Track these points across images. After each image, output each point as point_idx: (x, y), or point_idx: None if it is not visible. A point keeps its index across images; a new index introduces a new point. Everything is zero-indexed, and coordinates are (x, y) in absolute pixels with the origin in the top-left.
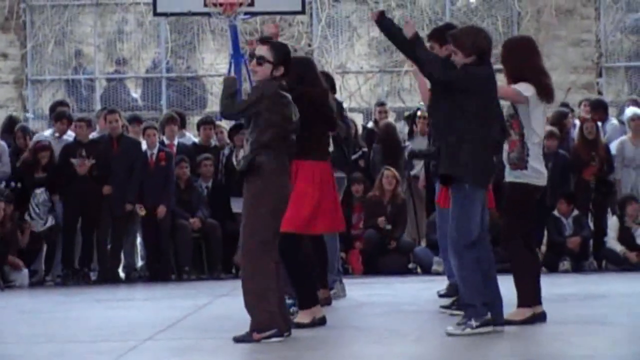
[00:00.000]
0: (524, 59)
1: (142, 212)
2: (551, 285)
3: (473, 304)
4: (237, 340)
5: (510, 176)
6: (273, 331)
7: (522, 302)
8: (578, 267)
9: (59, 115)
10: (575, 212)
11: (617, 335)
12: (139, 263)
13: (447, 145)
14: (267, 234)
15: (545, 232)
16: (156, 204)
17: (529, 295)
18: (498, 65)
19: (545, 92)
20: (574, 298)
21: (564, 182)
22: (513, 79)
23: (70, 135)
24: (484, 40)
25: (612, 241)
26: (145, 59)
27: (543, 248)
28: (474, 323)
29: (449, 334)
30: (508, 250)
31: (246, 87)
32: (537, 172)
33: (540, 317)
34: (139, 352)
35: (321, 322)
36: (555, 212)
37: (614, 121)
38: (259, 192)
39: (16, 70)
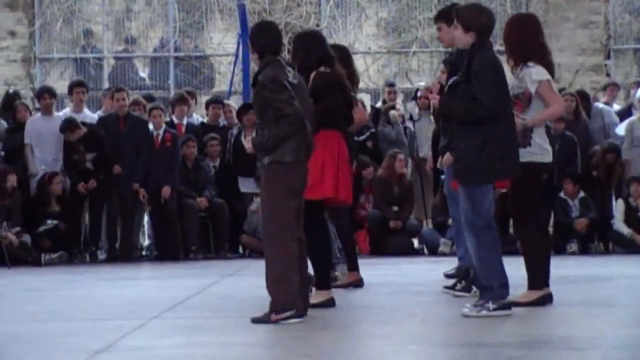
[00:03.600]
0: (529, 37)
1: (147, 207)
2: (558, 267)
3: (490, 285)
4: (255, 321)
5: None
6: (291, 312)
7: (533, 285)
8: (585, 249)
9: (42, 91)
10: (582, 194)
11: (624, 317)
12: (146, 242)
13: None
14: (285, 215)
15: (552, 214)
16: (161, 184)
17: (540, 277)
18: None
19: (548, 69)
20: (581, 280)
21: (571, 163)
22: (515, 55)
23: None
24: (487, 19)
25: (619, 223)
26: (154, 38)
27: (550, 230)
28: (491, 305)
29: (465, 316)
30: (519, 232)
31: (254, 67)
32: (541, 149)
33: (547, 299)
34: (145, 330)
35: (332, 303)
36: (562, 194)
37: (600, 106)
38: (273, 174)
39: (24, 48)
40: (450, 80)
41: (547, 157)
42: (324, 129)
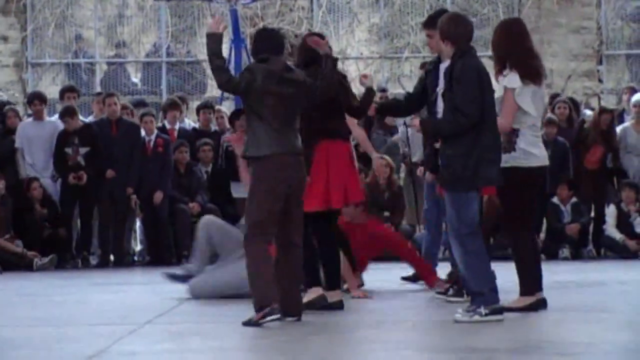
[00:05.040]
0: (512, 42)
1: (140, 214)
2: (550, 273)
3: (480, 291)
4: (245, 323)
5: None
6: (266, 310)
7: (525, 291)
8: (577, 255)
9: (32, 97)
10: (574, 199)
11: (616, 322)
12: (138, 247)
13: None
14: (259, 216)
15: (544, 219)
16: (153, 190)
17: (532, 283)
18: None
19: (531, 74)
20: (573, 285)
21: (564, 169)
22: (500, 62)
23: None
24: (462, 28)
25: (611, 229)
26: (146, 43)
27: (542, 235)
28: (483, 311)
29: (457, 321)
30: (509, 237)
31: None
32: (526, 154)
33: (541, 304)
34: (138, 336)
35: (324, 303)
36: (555, 199)
37: (588, 113)
38: (256, 176)
39: (16, 53)
40: (439, 89)
41: (534, 161)
42: (325, 140)
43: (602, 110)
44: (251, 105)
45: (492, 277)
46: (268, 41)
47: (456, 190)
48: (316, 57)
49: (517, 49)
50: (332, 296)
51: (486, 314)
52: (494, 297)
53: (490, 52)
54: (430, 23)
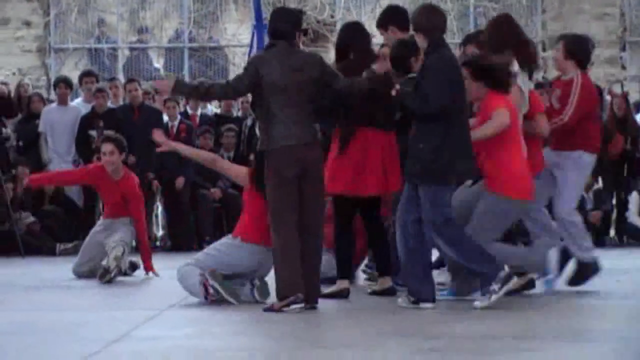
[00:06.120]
0: (501, 35)
1: (161, 198)
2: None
3: (481, 271)
4: (265, 309)
5: None
6: (290, 298)
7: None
8: (599, 242)
9: (58, 80)
10: (596, 186)
11: (635, 310)
12: (160, 233)
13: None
14: (276, 205)
15: None
16: (176, 175)
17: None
18: None
19: (524, 60)
20: None
21: None
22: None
23: (82, 105)
24: (433, 19)
25: (634, 216)
26: (168, 28)
27: None
28: (495, 287)
29: (475, 308)
30: None
31: None
32: None
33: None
34: (158, 322)
35: (346, 293)
36: None
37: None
38: (267, 164)
39: (39, 38)
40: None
41: None
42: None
43: (613, 95)
44: (258, 99)
45: (483, 252)
46: (281, 20)
47: (428, 183)
48: (349, 45)
49: (505, 39)
50: (339, 284)
51: (500, 289)
52: (494, 268)
53: None
54: (378, 23)
